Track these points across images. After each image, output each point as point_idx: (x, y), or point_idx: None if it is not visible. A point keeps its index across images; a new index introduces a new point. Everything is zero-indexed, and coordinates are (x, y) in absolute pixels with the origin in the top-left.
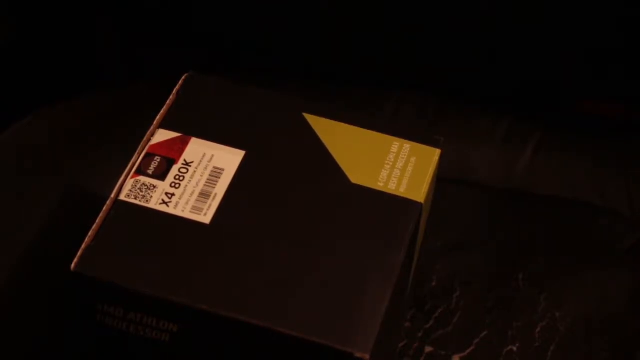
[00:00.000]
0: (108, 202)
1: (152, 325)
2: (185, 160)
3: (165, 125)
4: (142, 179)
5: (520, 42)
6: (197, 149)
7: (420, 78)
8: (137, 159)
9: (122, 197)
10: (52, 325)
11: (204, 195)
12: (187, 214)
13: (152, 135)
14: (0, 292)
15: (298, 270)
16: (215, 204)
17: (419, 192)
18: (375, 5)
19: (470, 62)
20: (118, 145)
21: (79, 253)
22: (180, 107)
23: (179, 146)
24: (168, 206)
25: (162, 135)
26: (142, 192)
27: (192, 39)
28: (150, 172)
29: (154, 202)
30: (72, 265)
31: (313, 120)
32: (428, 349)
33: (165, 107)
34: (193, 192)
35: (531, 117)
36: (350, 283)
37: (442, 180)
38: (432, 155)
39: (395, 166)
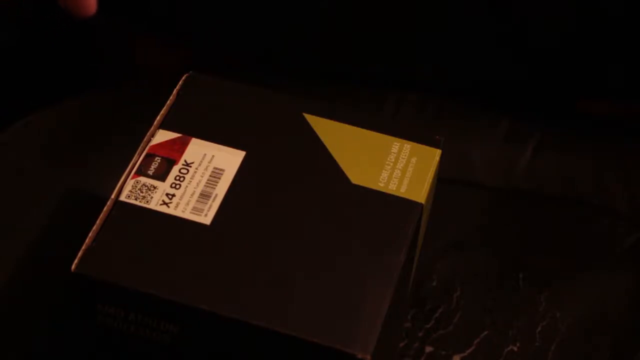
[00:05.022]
0: (108, 203)
1: (153, 326)
2: (185, 161)
3: (165, 125)
4: (143, 179)
5: (520, 41)
6: (198, 150)
7: (420, 78)
8: (138, 160)
9: (123, 197)
10: (52, 325)
11: (205, 196)
12: (188, 215)
13: (153, 135)
14: (0, 292)
15: (299, 271)
16: (215, 204)
17: (420, 193)
18: (375, 5)
19: (470, 62)
20: (118, 145)
21: (80, 254)
22: (180, 107)
23: (179, 147)
24: (168, 207)
25: (163, 136)
26: (142, 192)
27: (192, 39)
28: (150, 172)
29: (155, 203)
30: (73, 266)
31: (313, 120)
32: (428, 349)
33: (165, 107)
34: (193, 193)
35: (531, 117)
36: (351, 283)
37: (442, 180)
38: (433, 155)
39: (396, 166)
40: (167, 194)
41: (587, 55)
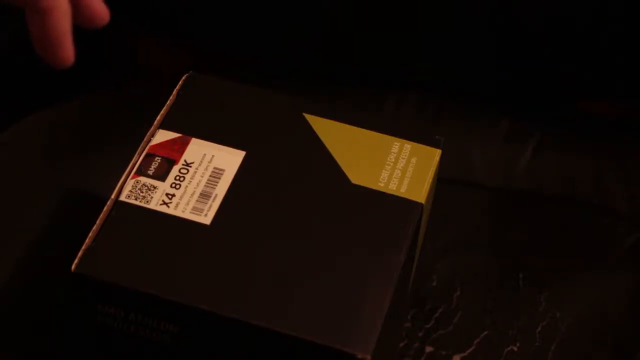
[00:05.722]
0: (108, 203)
1: (153, 326)
2: (185, 161)
3: (165, 125)
4: (143, 179)
5: (520, 41)
6: (198, 150)
7: (420, 78)
8: (138, 160)
9: (123, 197)
10: (52, 325)
11: (205, 196)
12: (188, 215)
13: (153, 135)
14: (0, 292)
15: (298, 271)
16: (215, 204)
17: (420, 193)
18: (376, 5)
19: (470, 62)
20: (118, 145)
21: (80, 254)
22: (180, 107)
23: (179, 147)
24: (168, 207)
25: (163, 136)
26: (142, 192)
27: (193, 39)
28: (150, 172)
29: (155, 203)
30: (73, 266)
31: (313, 120)
32: (428, 349)
33: (165, 107)
34: (194, 193)
35: (531, 117)
36: (351, 283)
37: (442, 180)
38: (433, 155)
39: (396, 166)
40: (167, 194)
41: (587, 56)
